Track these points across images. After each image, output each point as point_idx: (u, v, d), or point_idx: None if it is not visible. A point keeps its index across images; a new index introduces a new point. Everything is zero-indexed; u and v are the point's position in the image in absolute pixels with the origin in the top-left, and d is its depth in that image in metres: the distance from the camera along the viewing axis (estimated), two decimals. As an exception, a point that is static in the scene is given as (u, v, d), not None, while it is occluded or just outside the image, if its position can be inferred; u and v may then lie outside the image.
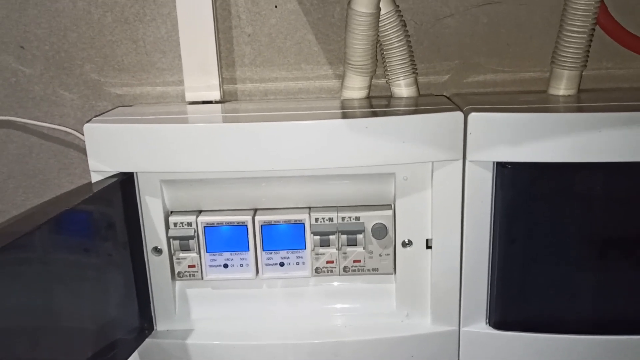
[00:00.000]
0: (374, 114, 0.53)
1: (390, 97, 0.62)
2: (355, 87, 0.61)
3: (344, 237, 0.55)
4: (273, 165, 0.51)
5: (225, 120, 0.55)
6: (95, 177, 0.53)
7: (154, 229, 0.55)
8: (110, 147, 0.52)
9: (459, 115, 0.51)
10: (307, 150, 0.51)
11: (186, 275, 0.56)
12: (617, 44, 0.60)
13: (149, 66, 0.63)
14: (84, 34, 0.62)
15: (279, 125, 0.51)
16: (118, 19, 0.62)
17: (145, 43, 0.62)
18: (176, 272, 0.56)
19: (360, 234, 0.55)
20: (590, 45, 0.57)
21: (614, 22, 0.58)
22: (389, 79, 0.61)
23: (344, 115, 0.54)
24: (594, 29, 0.57)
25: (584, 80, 0.59)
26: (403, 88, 0.61)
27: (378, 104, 0.59)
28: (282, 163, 0.52)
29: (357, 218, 0.55)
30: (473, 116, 0.51)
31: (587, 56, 0.58)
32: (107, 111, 0.60)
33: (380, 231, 0.55)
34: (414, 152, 0.52)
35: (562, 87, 0.59)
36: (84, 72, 0.63)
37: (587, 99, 0.57)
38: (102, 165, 0.52)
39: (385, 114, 0.53)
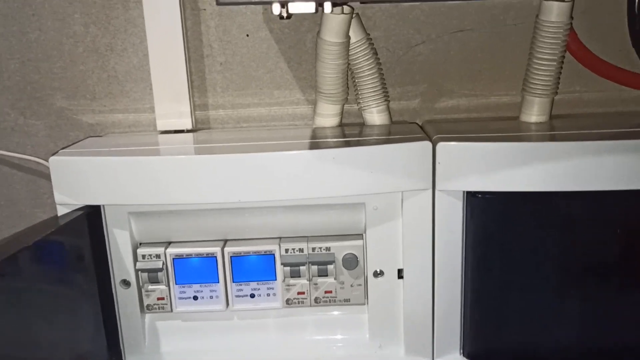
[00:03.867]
0: (343, 144, 0.53)
1: (362, 124, 0.61)
2: (327, 115, 0.60)
3: (315, 267, 0.55)
4: (240, 197, 0.51)
5: (196, 151, 0.54)
6: (61, 210, 0.52)
7: (122, 262, 0.54)
8: (75, 180, 0.51)
9: (427, 145, 0.51)
10: (276, 182, 0.51)
11: (155, 308, 0.56)
12: (588, 69, 0.60)
13: (120, 95, 0.63)
14: (55, 65, 0.62)
15: (248, 157, 0.50)
16: (89, 49, 0.61)
17: (117, 72, 0.62)
18: (145, 304, 0.56)
19: (331, 264, 0.55)
20: (560, 72, 0.57)
21: (584, 48, 0.58)
22: (361, 107, 0.61)
23: (313, 146, 0.53)
24: (563, 56, 0.56)
25: (555, 103, 0.59)
26: (375, 115, 0.60)
27: (349, 132, 0.59)
28: (251, 195, 0.51)
29: (328, 248, 0.55)
30: (441, 146, 0.51)
31: (558, 83, 0.58)
32: (77, 142, 0.59)
33: (351, 261, 0.55)
34: (383, 182, 0.51)
35: (534, 114, 0.58)
36: (55, 102, 0.63)
37: (558, 127, 0.57)
38: (68, 199, 0.52)
39: (353, 144, 0.52)
